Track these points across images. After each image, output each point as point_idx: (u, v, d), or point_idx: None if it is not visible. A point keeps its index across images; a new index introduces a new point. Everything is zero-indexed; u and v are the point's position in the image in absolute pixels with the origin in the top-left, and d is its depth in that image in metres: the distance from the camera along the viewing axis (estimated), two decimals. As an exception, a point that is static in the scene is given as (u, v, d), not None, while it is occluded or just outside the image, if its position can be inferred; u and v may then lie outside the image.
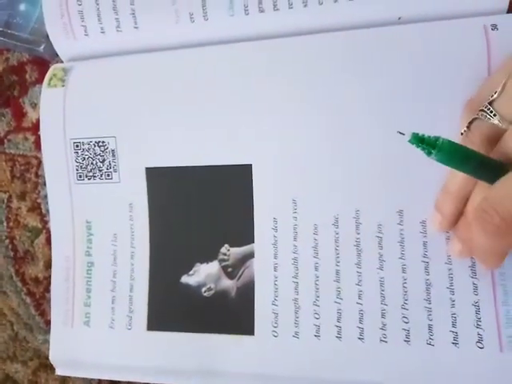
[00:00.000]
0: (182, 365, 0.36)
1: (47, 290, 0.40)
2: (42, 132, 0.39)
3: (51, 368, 0.39)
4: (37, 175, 0.41)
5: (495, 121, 0.25)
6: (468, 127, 0.27)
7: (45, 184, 0.41)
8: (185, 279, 0.36)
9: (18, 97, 0.43)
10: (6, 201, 0.41)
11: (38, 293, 0.41)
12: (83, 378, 0.39)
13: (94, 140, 0.38)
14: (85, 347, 0.38)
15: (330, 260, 0.34)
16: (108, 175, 0.38)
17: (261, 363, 0.35)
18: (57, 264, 0.39)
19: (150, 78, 0.38)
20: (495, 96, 0.25)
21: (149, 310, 0.37)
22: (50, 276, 0.39)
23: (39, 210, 0.41)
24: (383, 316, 0.33)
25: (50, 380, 0.40)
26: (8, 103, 0.42)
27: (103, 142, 0.38)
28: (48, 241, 0.41)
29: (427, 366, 0.32)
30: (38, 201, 0.41)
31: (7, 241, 0.41)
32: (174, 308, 0.36)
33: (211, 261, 0.36)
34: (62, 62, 0.41)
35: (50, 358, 0.38)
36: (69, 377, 0.39)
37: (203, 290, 0.36)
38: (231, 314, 0.35)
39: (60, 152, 0.39)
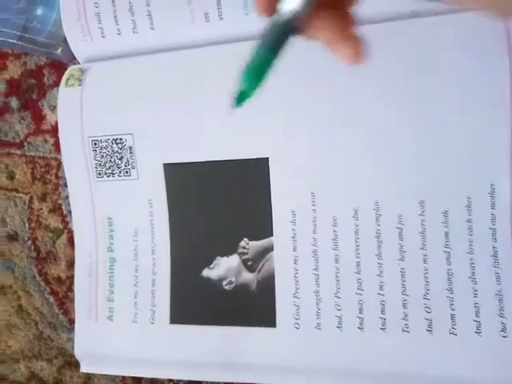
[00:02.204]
0: (204, 357, 0.36)
1: (70, 289, 0.41)
2: (61, 131, 0.39)
3: (76, 366, 0.39)
4: (57, 177, 0.42)
5: None
6: None
7: (65, 185, 0.41)
8: (206, 273, 0.37)
9: (36, 100, 0.43)
10: (27, 202, 0.42)
11: (61, 292, 0.41)
12: (107, 376, 0.39)
13: (111, 137, 0.38)
14: (108, 341, 0.38)
15: (350, 252, 0.34)
16: (126, 172, 0.39)
17: (283, 355, 0.35)
18: (80, 260, 0.40)
19: (166, 77, 0.38)
20: None
21: (171, 303, 0.37)
22: (72, 276, 0.40)
23: (60, 210, 0.41)
24: (405, 306, 0.33)
25: (75, 377, 0.40)
26: (27, 106, 0.43)
27: (120, 139, 0.38)
28: (70, 241, 0.41)
29: (450, 356, 0.32)
30: (59, 202, 0.42)
31: (30, 241, 0.42)
32: (196, 301, 0.37)
33: (231, 254, 0.36)
34: (78, 63, 0.41)
35: (74, 352, 0.39)
36: (93, 374, 0.39)
37: (224, 283, 0.36)
38: (252, 306, 0.36)
39: (79, 150, 0.39)
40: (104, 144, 0.39)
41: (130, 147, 0.38)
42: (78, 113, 0.39)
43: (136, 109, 0.38)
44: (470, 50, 0.31)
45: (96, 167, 0.39)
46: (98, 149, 0.39)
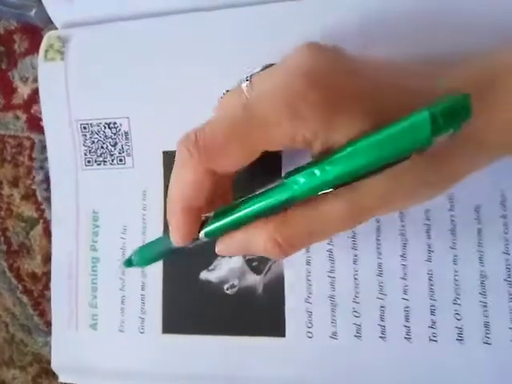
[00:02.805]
0: (202, 371, 0.32)
1: (47, 287, 0.36)
2: (44, 114, 0.35)
3: (54, 374, 0.35)
4: (31, 158, 0.37)
5: (245, 89, 0.25)
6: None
7: (40, 168, 0.37)
8: (204, 275, 0.33)
9: (5, 70, 0.38)
10: (-4, 188, 0.37)
11: (36, 290, 0.36)
12: (91, 386, 0.34)
13: (104, 121, 0.34)
14: (91, 353, 0.34)
15: (370, 252, 0.31)
16: (120, 160, 0.34)
17: (293, 368, 0.31)
18: (57, 260, 0.35)
19: (165, 47, 0.33)
20: (257, 70, 0.25)
21: (164, 310, 0.33)
22: (49, 271, 0.35)
23: (34, 197, 0.37)
24: (432, 313, 0.30)
25: (53, 387, 0.35)
26: (-5, 77, 0.37)
27: (115, 123, 0.34)
28: (46, 232, 0.37)
29: (484, 367, 0.29)
30: (33, 187, 0.37)
31: (-1, 232, 0.37)
32: (193, 308, 0.32)
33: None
34: (56, 28, 0.36)
35: (52, 365, 0.34)
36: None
37: (225, 286, 0.32)
38: (258, 313, 0.32)
39: (66, 135, 0.35)
40: (95, 128, 0.35)
41: (126, 132, 0.34)
42: (63, 93, 0.35)
43: (132, 88, 0.34)
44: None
45: (85, 154, 0.35)
46: (88, 134, 0.35)
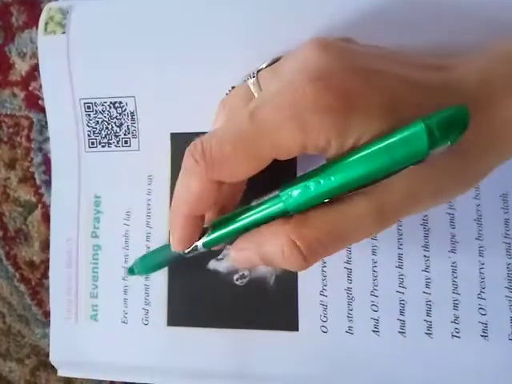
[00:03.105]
0: (210, 366, 0.30)
1: (45, 275, 0.34)
2: (45, 91, 0.33)
3: (53, 367, 0.33)
4: (28, 139, 0.35)
5: (252, 86, 0.25)
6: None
7: (39, 150, 0.35)
8: (213, 265, 0.31)
9: (2, 45, 0.36)
10: (-9, 170, 0.35)
11: (34, 279, 0.35)
12: (92, 380, 0.33)
13: (109, 100, 0.32)
14: (92, 345, 0.32)
15: (390, 242, 0.29)
16: (126, 142, 0.32)
17: (307, 363, 0.30)
18: (56, 247, 0.33)
19: (174, 20, 0.31)
20: (264, 65, 0.25)
21: (169, 301, 0.31)
22: (47, 259, 0.33)
23: (33, 180, 0.35)
24: (455, 307, 0.28)
25: (52, 381, 0.34)
26: (-10, 53, 0.35)
27: (120, 102, 0.32)
28: (44, 217, 0.35)
29: (510, 365, 0.28)
30: (31, 170, 0.35)
31: (-5, 218, 0.35)
32: (200, 299, 0.31)
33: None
34: (56, 0, 0.34)
35: (50, 357, 0.33)
36: (75, 378, 0.33)
37: (235, 277, 0.30)
38: (269, 306, 0.30)
39: (69, 115, 0.33)
40: (100, 108, 0.32)
41: (132, 112, 0.32)
42: (65, 69, 0.33)
43: (139, 65, 0.32)
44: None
45: (89, 135, 0.33)
46: (92, 113, 0.33)
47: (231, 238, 0.24)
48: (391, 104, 0.20)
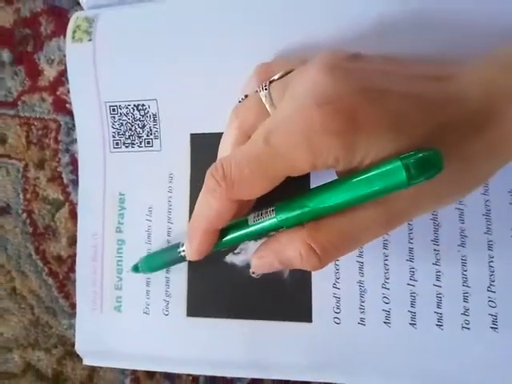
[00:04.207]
0: (227, 355, 0.32)
1: (72, 269, 0.36)
2: (73, 95, 0.35)
3: (78, 356, 0.34)
4: (56, 141, 0.36)
5: (264, 99, 0.26)
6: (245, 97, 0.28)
7: (66, 151, 0.37)
8: (230, 258, 0.32)
9: (32, 53, 0.38)
10: (21, 170, 0.37)
11: (62, 273, 0.36)
12: (115, 369, 0.34)
13: (132, 103, 0.34)
14: (116, 335, 0.33)
15: (401, 236, 0.30)
16: (148, 142, 0.34)
17: (320, 354, 0.30)
18: (82, 242, 0.35)
19: (193, 27, 0.33)
20: (276, 77, 0.26)
21: (188, 293, 0.32)
22: (74, 254, 0.35)
23: (60, 179, 0.36)
24: (465, 300, 0.29)
25: (78, 369, 0.35)
26: (21, 60, 0.38)
27: (143, 105, 0.34)
28: (71, 214, 0.36)
29: None
30: (59, 170, 0.36)
31: (24, 215, 0.36)
32: (218, 291, 0.32)
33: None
34: (82, 10, 0.36)
35: (75, 347, 0.34)
36: (99, 366, 0.34)
37: (251, 270, 0.31)
38: (284, 298, 0.31)
39: (95, 117, 0.34)
40: (124, 111, 0.34)
41: (154, 114, 0.34)
42: (91, 74, 0.34)
43: (160, 69, 0.33)
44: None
45: (114, 136, 0.35)
46: (116, 116, 0.34)
47: (232, 245, 0.27)
48: (395, 123, 0.21)
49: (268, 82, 0.26)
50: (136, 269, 0.32)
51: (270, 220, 0.24)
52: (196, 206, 0.26)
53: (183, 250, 0.29)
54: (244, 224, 0.26)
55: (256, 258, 0.26)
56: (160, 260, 0.31)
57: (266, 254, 0.25)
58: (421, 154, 0.20)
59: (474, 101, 0.22)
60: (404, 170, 0.20)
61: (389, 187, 0.21)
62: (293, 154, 0.21)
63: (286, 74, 0.26)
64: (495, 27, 0.28)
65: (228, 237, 0.26)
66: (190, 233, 0.26)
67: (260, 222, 0.25)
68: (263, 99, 0.26)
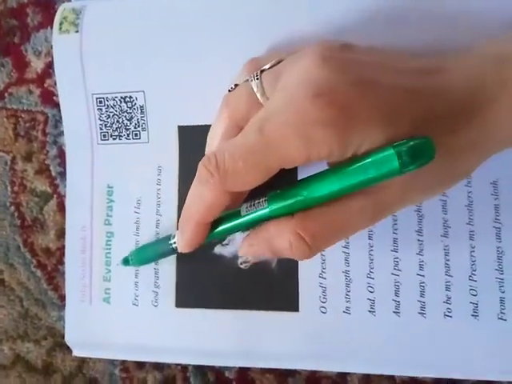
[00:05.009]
0: (216, 345, 0.32)
1: (60, 261, 0.36)
2: (60, 87, 0.35)
3: (68, 348, 0.35)
4: (44, 133, 0.36)
5: (255, 88, 0.26)
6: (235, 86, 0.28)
7: (54, 143, 0.37)
8: (218, 250, 0.32)
9: (18, 44, 0.38)
10: (9, 163, 0.37)
11: (50, 265, 0.36)
12: (105, 360, 0.34)
13: (119, 95, 0.34)
14: (105, 327, 0.34)
15: (386, 227, 0.30)
16: (136, 134, 0.34)
17: (307, 342, 0.31)
18: (71, 234, 0.35)
19: (181, 20, 0.33)
20: (267, 66, 0.26)
21: (177, 284, 0.33)
22: (63, 246, 0.35)
23: (48, 172, 0.36)
24: (447, 288, 0.30)
25: (67, 361, 0.36)
26: (8, 51, 0.37)
27: (130, 97, 0.34)
28: (60, 207, 0.36)
29: (499, 343, 0.29)
30: (47, 162, 0.36)
31: (12, 207, 0.37)
32: (206, 282, 0.32)
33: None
34: (69, 1, 0.36)
35: (65, 338, 0.34)
36: (88, 357, 0.35)
37: (239, 261, 0.32)
38: (272, 288, 0.32)
39: (81, 109, 0.34)
40: (111, 102, 0.34)
41: (141, 106, 0.34)
42: (78, 66, 0.34)
43: (147, 61, 0.33)
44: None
45: (101, 128, 0.35)
46: (103, 108, 0.34)
47: (223, 236, 0.27)
48: (387, 115, 0.22)
49: (259, 72, 0.26)
50: (126, 262, 0.33)
51: (262, 210, 0.24)
52: (188, 197, 0.26)
53: (174, 242, 0.29)
54: (236, 215, 0.25)
55: (246, 245, 0.26)
56: (151, 253, 0.31)
57: (256, 242, 0.25)
58: (413, 142, 0.20)
59: (461, 94, 0.23)
60: (397, 157, 0.20)
61: (382, 174, 0.21)
62: (287, 146, 0.21)
63: (278, 63, 0.26)
64: (484, 19, 0.29)
65: (220, 228, 0.26)
66: (182, 224, 0.26)
67: (253, 212, 0.25)
68: (254, 89, 0.26)
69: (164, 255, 0.31)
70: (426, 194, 0.24)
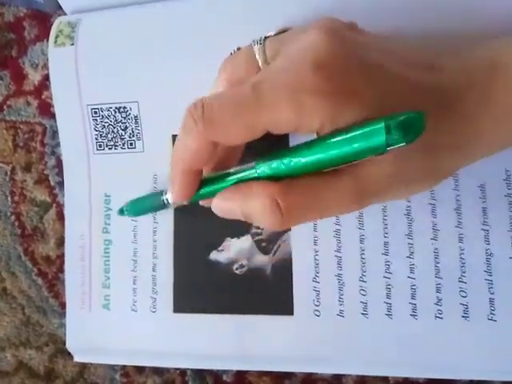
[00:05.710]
0: (214, 349, 0.33)
1: (61, 269, 0.37)
2: (55, 99, 0.35)
3: (69, 354, 0.36)
4: (43, 144, 0.37)
5: (257, 53, 0.26)
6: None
7: (52, 154, 0.38)
8: (214, 256, 0.33)
9: (16, 57, 0.38)
10: (9, 173, 0.38)
11: (51, 273, 0.37)
12: (105, 365, 0.35)
13: (114, 106, 0.34)
14: (105, 333, 0.34)
15: (377, 231, 0.31)
16: (131, 144, 0.35)
17: (302, 345, 0.32)
18: (70, 242, 0.35)
19: (174, 32, 0.33)
20: (272, 33, 0.26)
21: (174, 290, 0.33)
22: (62, 254, 0.36)
23: (47, 182, 0.37)
24: (438, 290, 0.30)
25: (69, 366, 0.36)
26: (5, 64, 0.38)
27: (125, 107, 0.34)
28: (59, 216, 0.37)
29: (490, 344, 0.29)
30: (46, 172, 0.37)
31: (13, 217, 0.37)
32: (203, 288, 0.33)
33: (243, 235, 0.32)
34: (65, 14, 0.36)
35: (66, 345, 0.35)
36: (89, 363, 0.35)
37: (235, 267, 0.33)
38: (267, 292, 0.32)
39: (77, 120, 0.35)
40: (106, 113, 0.35)
41: (136, 116, 0.34)
42: (73, 78, 0.35)
43: (141, 72, 0.34)
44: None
45: (96, 138, 0.35)
46: (98, 118, 0.35)
47: (211, 195, 0.26)
48: (384, 100, 0.22)
49: (264, 37, 0.26)
50: (121, 212, 0.33)
51: (249, 171, 0.23)
52: (174, 146, 0.25)
53: (167, 198, 0.29)
54: (225, 175, 0.25)
55: (220, 197, 0.24)
56: (145, 205, 0.32)
57: (232, 196, 0.24)
58: (402, 117, 0.20)
59: (450, 95, 0.23)
60: (385, 129, 0.20)
61: (370, 148, 0.21)
62: (278, 108, 0.21)
63: (283, 31, 0.26)
64: (492, 17, 0.29)
65: (210, 185, 0.26)
66: (171, 175, 0.26)
67: (241, 171, 0.24)
68: (256, 54, 0.26)
69: (157, 208, 0.32)
70: (408, 188, 0.24)
